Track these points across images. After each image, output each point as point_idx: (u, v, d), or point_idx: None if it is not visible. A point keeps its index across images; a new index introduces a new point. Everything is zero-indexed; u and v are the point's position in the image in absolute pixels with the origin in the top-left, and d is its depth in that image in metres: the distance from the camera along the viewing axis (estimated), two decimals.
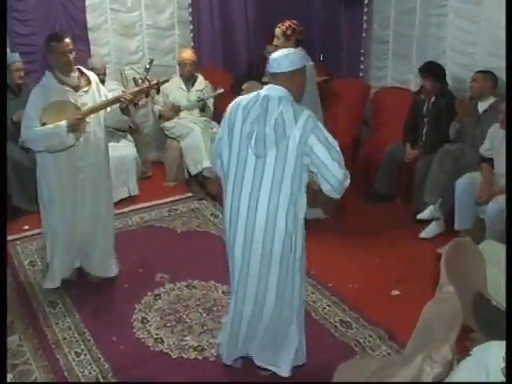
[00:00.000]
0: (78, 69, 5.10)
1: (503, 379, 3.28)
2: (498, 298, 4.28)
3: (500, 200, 5.54)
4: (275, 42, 5.91)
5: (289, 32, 5.85)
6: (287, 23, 5.74)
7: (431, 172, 6.23)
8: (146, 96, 5.57)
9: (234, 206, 3.90)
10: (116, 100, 5.06)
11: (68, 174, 5.05)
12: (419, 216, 6.33)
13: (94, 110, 5.03)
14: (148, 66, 5.44)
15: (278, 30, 5.78)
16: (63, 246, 5.21)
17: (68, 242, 5.21)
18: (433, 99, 6.66)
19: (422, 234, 6.24)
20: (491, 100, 6.26)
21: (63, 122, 4.81)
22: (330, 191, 3.83)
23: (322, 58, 8.92)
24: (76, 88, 5.03)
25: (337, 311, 5.00)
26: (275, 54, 3.95)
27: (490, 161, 5.93)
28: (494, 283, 4.33)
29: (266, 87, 3.93)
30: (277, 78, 3.89)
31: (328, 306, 5.08)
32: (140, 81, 5.18)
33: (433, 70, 6.61)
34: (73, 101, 4.96)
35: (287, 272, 3.95)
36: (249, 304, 4.08)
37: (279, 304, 4.03)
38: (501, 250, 4.64)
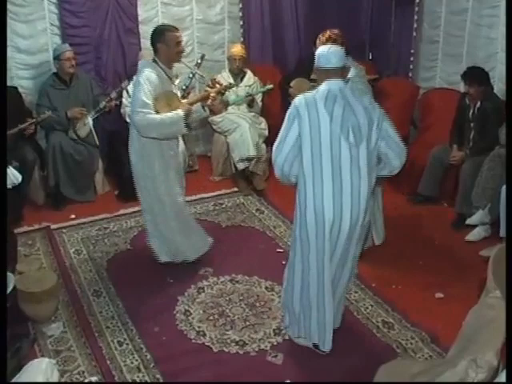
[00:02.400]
0: None
1: None
2: None
3: None
4: None
5: (329, 44, 5.82)
6: (327, 34, 5.63)
7: (481, 176, 6.12)
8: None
9: (337, 197, 4.07)
10: (206, 97, 5.38)
11: (167, 162, 5.25)
12: (468, 221, 6.20)
13: (193, 102, 5.27)
14: (199, 61, 5.48)
15: (318, 42, 5.76)
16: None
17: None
18: (478, 104, 6.52)
19: (469, 237, 6.16)
20: None
21: (180, 112, 5.02)
22: (398, 167, 4.31)
23: (371, 57, 8.89)
24: (172, 80, 5.28)
25: (380, 311, 4.98)
26: (322, 50, 4.20)
27: None
28: None
29: (329, 82, 4.12)
30: (329, 73, 4.15)
31: (371, 305, 5.07)
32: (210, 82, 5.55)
33: (476, 76, 6.47)
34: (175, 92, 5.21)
35: (358, 242, 4.36)
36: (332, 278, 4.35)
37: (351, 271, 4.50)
38: None
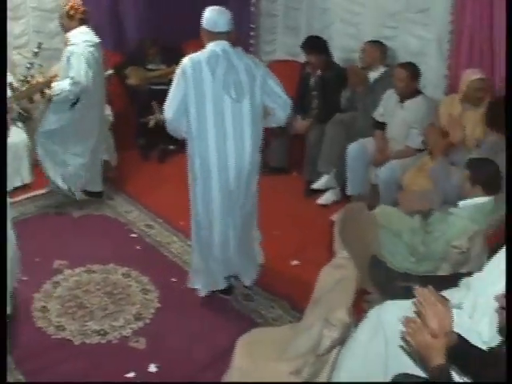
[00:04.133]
0: None
1: (397, 337, 3.37)
2: (393, 259, 4.38)
3: (393, 165, 5.67)
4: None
5: (71, 12, 5.81)
6: (70, 4, 5.77)
7: (324, 142, 6.29)
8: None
9: (221, 149, 4.38)
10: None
11: None
12: (314, 186, 6.40)
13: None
14: (37, 50, 5.30)
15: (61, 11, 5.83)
16: None
17: None
18: (319, 72, 6.67)
19: (319, 201, 6.33)
20: (381, 69, 6.37)
21: None
22: (284, 118, 4.65)
23: None
24: None
25: (238, 285, 5.01)
26: (210, 14, 4.42)
27: (383, 125, 6.04)
28: (389, 246, 4.43)
29: (213, 44, 4.34)
30: (215, 37, 4.36)
31: None
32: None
33: (315, 44, 6.63)
34: None
35: (255, 192, 4.73)
36: (234, 226, 4.66)
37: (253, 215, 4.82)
38: (394, 214, 4.76)
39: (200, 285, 4.82)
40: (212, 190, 4.49)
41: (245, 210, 4.67)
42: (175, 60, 6.94)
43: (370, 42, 6.48)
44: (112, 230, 5.93)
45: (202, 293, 4.82)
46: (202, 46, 4.42)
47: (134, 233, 5.88)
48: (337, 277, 3.53)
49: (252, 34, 8.18)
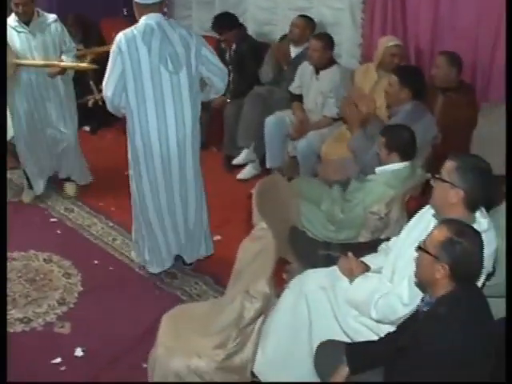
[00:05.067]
0: None
1: (320, 305, 3.41)
2: (313, 229, 4.42)
3: (310, 136, 5.70)
4: None
5: None
6: None
7: (242, 116, 6.29)
8: None
9: (162, 123, 4.35)
10: None
11: None
12: (234, 161, 6.41)
13: None
14: None
15: None
16: None
17: None
18: (234, 47, 6.64)
19: (239, 176, 6.35)
20: (305, 45, 6.33)
21: None
22: (222, 88, 4.67)
23: (125, 13, 8.66)
24: None
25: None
26: None
27: (300, 98, 6.06)
28: (308, 216, 4.46)
29: (146, 17, 4.26)
30: (147, 9, 4.28)
31: None
32: None
33: (225, 22, 6.59)
34: None
35: (198, 166, 4.66)
36: (178, 204, 4.65)
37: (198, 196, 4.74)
38: (313, 184, 4.80)
39: (153, 264, 4.82)
40: (156, 167, 4.47)
41: (189, 185, 4.65)
42: (94, 40, 6.90)
43: (303, 16, 6.43)
44: (31, 216, 5.82)
45: (156, 271, 4.85)
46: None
47: (54, 217, 5.78)
48: (256, 249, 3.53)
49: (166, 10, 8.09)
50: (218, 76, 4.55)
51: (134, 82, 4.27)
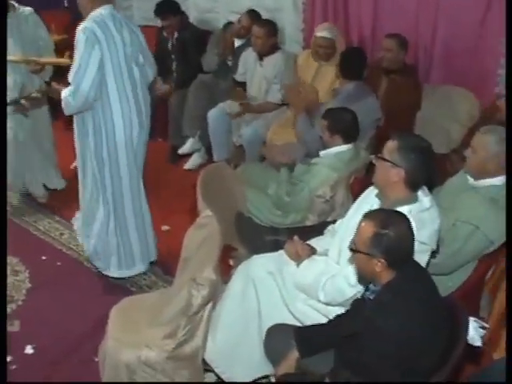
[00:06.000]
0: None
1: (268, 290, 3.42)
2: (259, 214, 4.42)
3: (255, 123, 5.70)
4: None
5: None
6: None
7: (187, 105, 6.25)
8: None
9: (126, 116, 4.24)
10: None
11: None
12: (180, 151, 6.39)
13: None
14: None
15: None
16: None
17: None
18: (176, 35, 6.59)
19: (186, 166, 6.33)
20: (249, 36, 6.31)
21: None
22: (153, 75, 4.60)
23: (67, 4, 8.52)
24: None
25: None
26: None
27: (244, 85, 6.05)
28: (254, 201, 4.46)
29: (101, 8, 4.07)
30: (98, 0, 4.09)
31: None
32: None
33: (167, 8, 6.52)
34: None
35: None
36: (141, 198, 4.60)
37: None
38: (258, 169, 4.80)
39: (116, 268, 4.68)
40: (120, 167, 4.35)
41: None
42: None
43: (251, 11, 6.37)
44: None
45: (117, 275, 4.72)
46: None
47: None
48: (201, 236, 3.52)
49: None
50: (149, 64, 4.50)
51: (114, 72, 4.11)
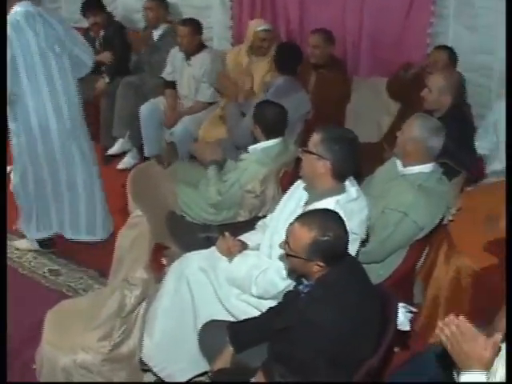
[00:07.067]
0: None
1: (202, 286, 3.43)
2: (191, 212, 4.43)
3: (186, 121, 5.71)
4: None
5: None
6: None
7: (116, 106, 6.22)
8: None
9: (55, 104, 4.43)
10: None
11: None
12: (109, 151, 6.37)
13: None
14: None
15: None
16: None
17: None
18: (102, 33, 6.56)
19: (119, 166, 6.29)
20: (164, 26, 6.34)
21: None
22: (91, 63, 4.78)
23: None
24: None
25: (44, 261, 4.91)
26: None
27: (173, 84, 6.04)
28: (186, 199, 4.46)
29: (19, 5, 4.24)
30: None
31: (34, 258, 4.97)
32: None
33: (93, 5, 6.51)
34: None
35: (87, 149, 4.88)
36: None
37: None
38: (189, 167, 4.82)
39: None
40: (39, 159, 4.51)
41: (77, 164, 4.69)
42: None
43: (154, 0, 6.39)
44: None
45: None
46: None
47: None
48: (133, 236, 3.52)
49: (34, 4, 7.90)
50: (87, 53, 4.71)
51: (26, 67, 4.27)
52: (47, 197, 4.71)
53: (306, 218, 2.84)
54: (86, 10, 6.49)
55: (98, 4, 6.56)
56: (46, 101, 4.39)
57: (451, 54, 5.09)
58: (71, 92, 4.53)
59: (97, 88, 6.47)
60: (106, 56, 6.47)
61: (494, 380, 2.31)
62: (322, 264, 2.75)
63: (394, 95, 5.53)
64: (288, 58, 5.27)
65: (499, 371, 2.31)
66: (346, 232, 2.80)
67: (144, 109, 6.02)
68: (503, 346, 2.36)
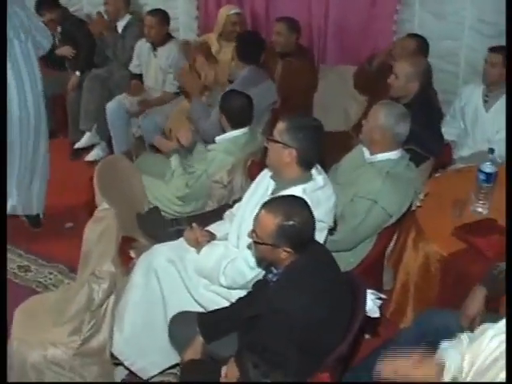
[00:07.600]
0: None
1: (170, 278, 3.43)
2: (159, 205, 4.41)
3: (153, 113, 5.70)
4: None
5: None
6: None
7: (82, 100, 6.16)
8: None
9: (21, 90, 4.56)
10: None
11: None
12: (77, 145, 6.31)
13: None
14: None
15: None
16: None
17: None
18: (59, 29, 6.45)
19: (87, 158, 6.25)
20: (127, 17, 6.29)
21: None
22: (49, 46, 4.97)
23: None
24: None
25: (13, 258, 4.85)
26: None
27: (140, 77, 6.01)
28: (153, 192, 4.45)
29: None
30: None
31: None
32: None
33: (46, 2, 6.36)
34: None
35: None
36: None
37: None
38: (156, 160, 4.80)
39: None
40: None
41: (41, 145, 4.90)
42: None
43: None
44: None
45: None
46: None
47: None
48: (100, 230, 3.49)
49: None
50: (44, 36, 4.83)
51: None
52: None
53: (271, 204, 2.85)
54: (40, 7, 6.37)
55: (52, 1, 6.44)
56: (11, 89, 4.49)
57: (421, 42, 5.09)
58: (36, 78, 4.65)
59: (71, 84, 6.37)
60: (66, 50, 6.39)
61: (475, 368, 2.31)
62: (289, 250, 2.76)
63: (362, 89, 5.53)
64: (249, 47, 5.23)
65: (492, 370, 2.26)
66: (312, 217, 2.81)
67: (110, 107, 5.96)
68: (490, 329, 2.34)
